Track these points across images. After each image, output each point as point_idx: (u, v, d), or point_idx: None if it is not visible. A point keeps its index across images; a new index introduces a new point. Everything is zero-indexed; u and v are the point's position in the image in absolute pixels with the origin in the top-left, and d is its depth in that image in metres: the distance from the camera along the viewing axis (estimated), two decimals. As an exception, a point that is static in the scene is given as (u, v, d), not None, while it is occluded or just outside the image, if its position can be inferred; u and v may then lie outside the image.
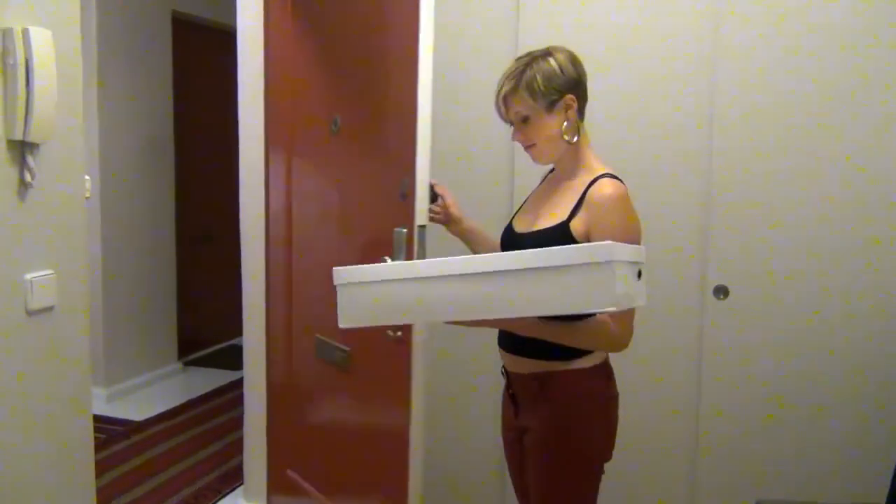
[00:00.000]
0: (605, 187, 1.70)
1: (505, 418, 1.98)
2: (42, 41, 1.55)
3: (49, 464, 1.71)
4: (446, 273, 1.54)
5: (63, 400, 1.76)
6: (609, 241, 1.47)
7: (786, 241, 2.54)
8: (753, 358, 2.60)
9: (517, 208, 1.99)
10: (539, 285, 1.49)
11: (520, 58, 1.79)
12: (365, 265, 1.60)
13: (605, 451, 1.85)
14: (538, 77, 1.73)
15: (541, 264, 1.50)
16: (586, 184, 1.73)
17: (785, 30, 2.49)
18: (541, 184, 1.97)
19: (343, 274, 1.60)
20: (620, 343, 1.70)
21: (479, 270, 1.52)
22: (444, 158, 2.57)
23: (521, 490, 2.00)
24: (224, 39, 4.09)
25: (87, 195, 1.82)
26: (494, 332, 1.90)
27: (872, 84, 2.43)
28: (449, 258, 1.57)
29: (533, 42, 2.17)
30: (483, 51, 2.73)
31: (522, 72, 1.74)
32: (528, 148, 1.80)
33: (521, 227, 1.86)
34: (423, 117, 1.91)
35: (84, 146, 1.77)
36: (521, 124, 1.77)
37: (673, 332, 2.65)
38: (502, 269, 1.51)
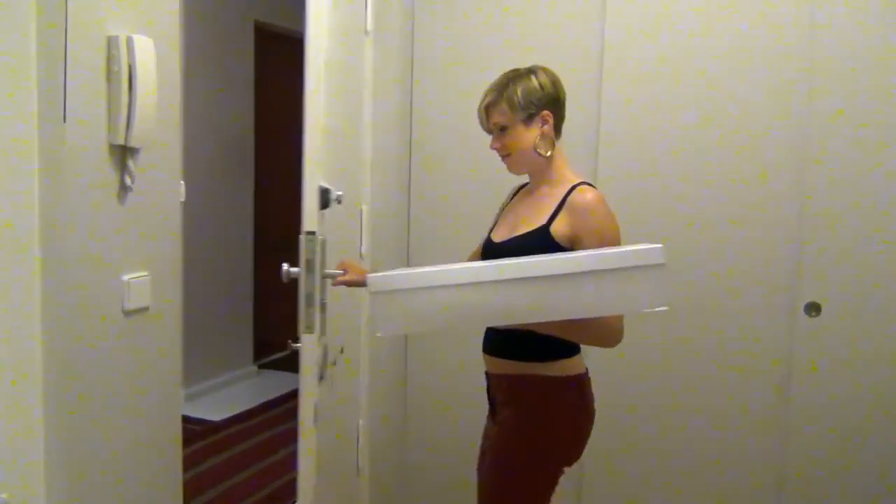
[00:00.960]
0: (587, 193, 1.80)
1: (487, 423, 2.03)
2: (144, 49, 1.60)
3: (139, 460, 1.75)
4: (498, 278, 1.55)
5: (154, 398, 1.80)
6: (659, 245, 1.55)
7: (884, 255, 2.44)
8: (846, 377, 2.50)
9: (493, 223, 2.03)
10: (592, 288, 1.53)
11: (506, 73, 1.89)
12: (410, 271, 1.60)
13: (566, 457, 1.88)
14: (518, 91, 1.84)
15: (595, 267, 1.54)
16: (563, 192, 1.83)
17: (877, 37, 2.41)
18: (512, 198, 2.04)
19: (381, 282, 1.57)
20: (620, 337, 1.76)
21: (533, 275, 1.54)
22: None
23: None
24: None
25: (182, 199, 1.86)
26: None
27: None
28: (501, 262, 1.58)
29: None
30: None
31: (505, 85, 1.86)
32: (504, 157, 1.89)
33: (498, 237, 1.91)
34: (311, 124, 1.81)
35: (180, 152, 1.81)
36: (500, 134, 1.87)
37: (758, 349, 2.57)
38: (556, 273, 1.54)
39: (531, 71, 1.88)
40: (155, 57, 1.63)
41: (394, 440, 3.08)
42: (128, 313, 1.68)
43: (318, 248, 1.77)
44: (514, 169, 1.91)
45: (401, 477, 3.11)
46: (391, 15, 2.83)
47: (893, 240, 2.43)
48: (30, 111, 1.39)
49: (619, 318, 1.73)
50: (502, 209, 2.04)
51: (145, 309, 1.73)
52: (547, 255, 1.63)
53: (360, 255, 2.71)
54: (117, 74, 1.56)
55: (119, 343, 1.67)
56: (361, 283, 1.88)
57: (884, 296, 2.45)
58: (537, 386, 1.82)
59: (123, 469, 1.70)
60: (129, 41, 1.57)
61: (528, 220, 1.84)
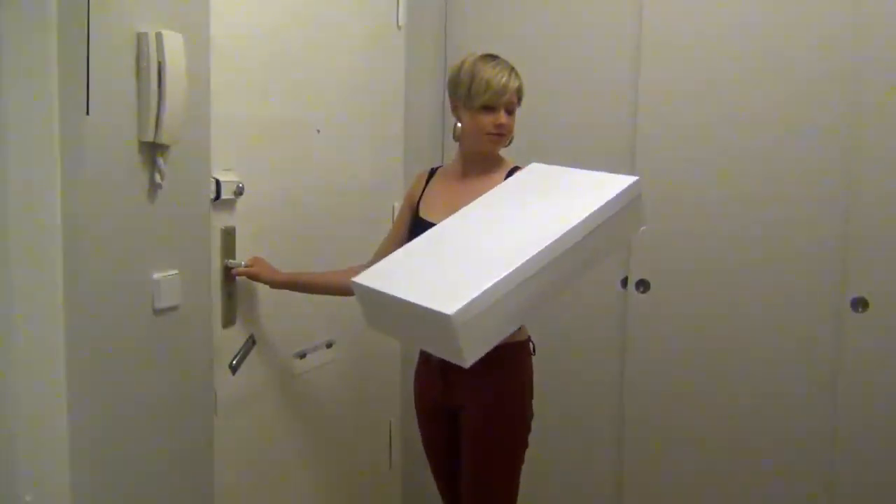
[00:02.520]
0: None
1: (427, 399, 2.14)
2: (174, 45, 1.58)
3: (170, 461, 1.74)
4: (543, 264, 1.53)
5: (185, 399, 1.78)
6: (637, 177, 1.70)
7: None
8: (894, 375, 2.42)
9: (415, 205, 2.13)
10: (602, 236, 1.61)
11: (497, 58, 2.02)
12: (478, 293, 1.46)
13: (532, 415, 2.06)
14: (522, 81, 2.03)
15: (604, 218, 1.61)
16: (504, 174, 2.01)
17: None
18: (427, 182, 2.14)
19: (468, 310, 1.44)
20: None
21: (564, 249, 1.56)
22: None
23: (446, 469, 2.16)
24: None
25: (212, 196, 1.85)
26: None
27: None
28: (537, 251, 1.53)
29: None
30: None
31: (517, 73, 2.02)
32: (498, 136, 2.00)
33: (441, 220, 1.87)
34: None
35: (210, 149, 1.79)
36: (507, 116, 1.99)
37: (806, 343, 2.50)
38: (578, 239, 1.57)
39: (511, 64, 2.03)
40: (185, 53, 1.61)
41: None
42: (158, 312, 1.67)
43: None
44: (495, 149, 2.04)
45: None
46: (424, 9, 2.80)
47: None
48: (50, 106, 1.37)
49: None
50: (420, 196, 2.12)
51: (175, 308, 1.71)
52: (573, 220, 1.61)
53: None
54: (146, 71, 1.54)
55: (149, 343, 1.65)
56: (267, 280, 2.04)
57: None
58: (512, 351, 1.96)
59: (152, 472, 1.68)
60: (159, 37, 1.55)
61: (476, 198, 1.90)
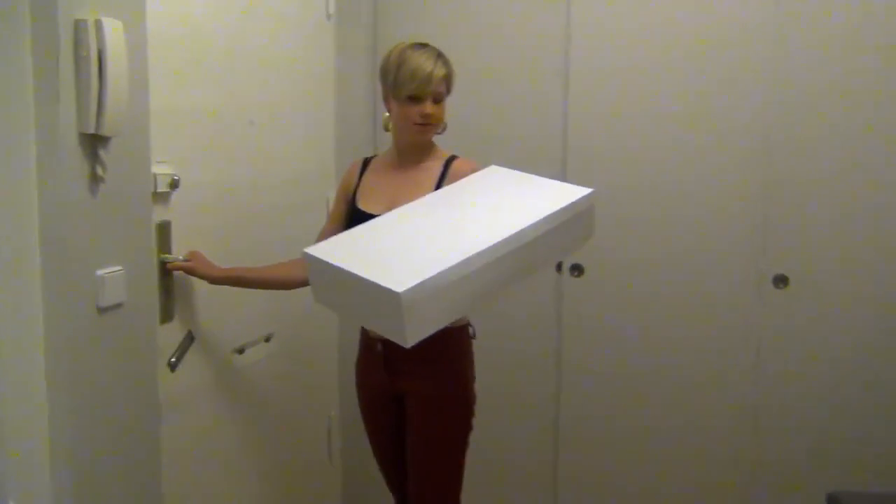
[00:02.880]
0: (467, 164, 2.00)
1: (371, 387, 2.15)
2: (114, 33, 1.52)
3: (117, 462, 1.68)
4: (494, 257, 1.57)
5: (130, 400, 1.72)
6: (592, 189, 1.74)
7: (846, 230, 2.50)
8: (814, 348, 2.56)
9: (351, 195, 2.12)
10: (553, 240, 1.66)
11: (424, 44, 2.00)
12: (429, 275, 1.49)
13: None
14: (451, 68, 2.01)
15: (558, 222, 1.66)
16: (441, 164, 2.01)
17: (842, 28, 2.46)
18: (367, 171, 2.13)
19: (417, 291, 1.47)
20: None
21: (516, 245, 1.60)
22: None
23: (392, 458, 2.17)
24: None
25: (154, 190, 1.79)
26: None
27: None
28: (491, 243, 1.57)
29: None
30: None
31: (446, 60, 2.00)
32: (427, 126, 1.98)
33: (380, 210, 1.93)
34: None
35: (149, 140, 1.73)
36: (434, 105, 1.97)
37: (730, 320, 2.62)
38: (531, 239, 1.62)
39: (441, 51, 2.01)
40: (125, 41, 1.55)
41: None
42: (103, 310, 1.61)
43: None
44: (424, 138, 2.02)
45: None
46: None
47: (853, 213, 2.50)
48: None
49: None
50: (356, 186, 2.11)
51: (120, 305, 1.66)
52: (528, 220, 1.65)
53: (329, 245, 2.65)
54: (87, 60, 1.48)
55: (93, 343, 1.59)
56: (204, 275, 1.99)
57: (847, 266, 2.51)
58: (453, 337, 2.00)
59: (99, 473, 1.63)
60: (99, 24, 1.49)
61: (417, 191, 1.93)
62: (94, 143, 1.54)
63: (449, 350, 2.02)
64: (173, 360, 1.99)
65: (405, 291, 1.44)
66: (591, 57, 2.64)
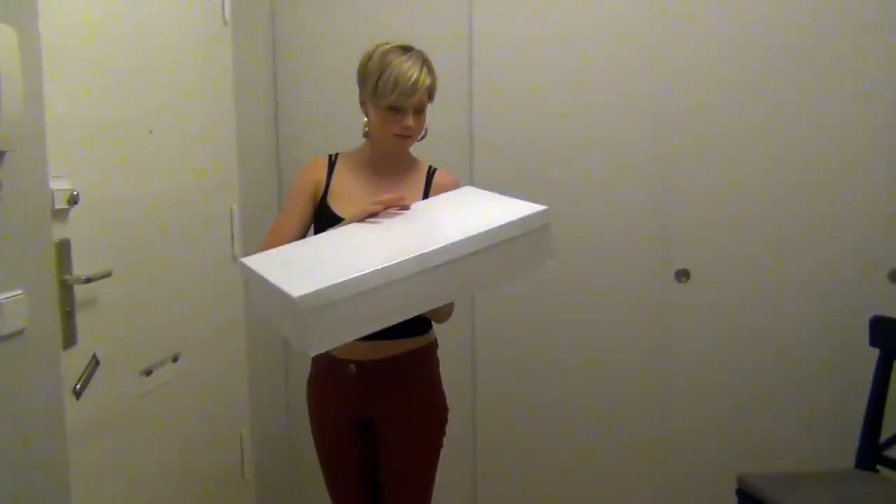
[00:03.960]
0: (449, 176, 1.95)
1: (336, 412, 2.00)
2: (7, 40, 1.42)
3: (26, 495, 1.57)
4: (410, 272, 1.52)
5: (36, 432, 1.61)
6: (545, 207, 1.65)
7: (743, 227, 2.63)
8: (716, 337, 2.67)
9: (321, 193, 1.97)
10: (491, 260, 1.58)
11: (409, 48, 1.86)
12: (331, 283, 1.46)
13: None
14: (435, 76, 1.89)
15: (493, 241, 1.58)
16: (423, 174, 1.94)
17: (731, 26, 2.58)
18: (337, 171, 1.97)
19: (316, 297, 1.43)
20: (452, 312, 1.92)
21: (438, 262, 1.53)
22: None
23: (355, 484, 2.03)
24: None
25: (55, 207, 1.68)
26: None
27: (819, 77, 2.55)
28: (405, 258, 1.52)
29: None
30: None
31: (430, 67, 1.87)
32: (406, 138, 1.87)
33: None
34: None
35: (46, 154, 1.62)
36: (416, 114, 1.85)
37: (636, 313, 2.70)
38: (460, 255, 1.55)
39: (427, 55, 1.88)
40: (18, 50, 1.45)
41: (281, 447, 2.98)
42: (3, 337, 1.49)
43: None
44: (401, 149, 1.92)
45: (289, 483, 3.01)
46: (250, 3, 2.70)
47: (749, 210, 2.62)
48: None
49: None
50: (326, 184, 1.96)
51: (21, 332, 1.54)
52: (456, 237, 1.60)
53: (234, 258, 2.58)
54: (-24, 69, 1.37)
55: (-6, 372, 1.48)
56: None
57: (745, 261, 2.63)
58: (431, 353, 1.98)
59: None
60: (-12, 31, 1.39)
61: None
62: (-13, 158, 1.43)
63: (424, 368, 1.97)
64: (78, 386, 1.87)
65: (301, 297, 1.42)
66: (493, 58, 2.66)
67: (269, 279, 1.52)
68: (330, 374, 1.98)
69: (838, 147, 2.58)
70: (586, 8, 2.63)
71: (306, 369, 2.90)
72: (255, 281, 1.59)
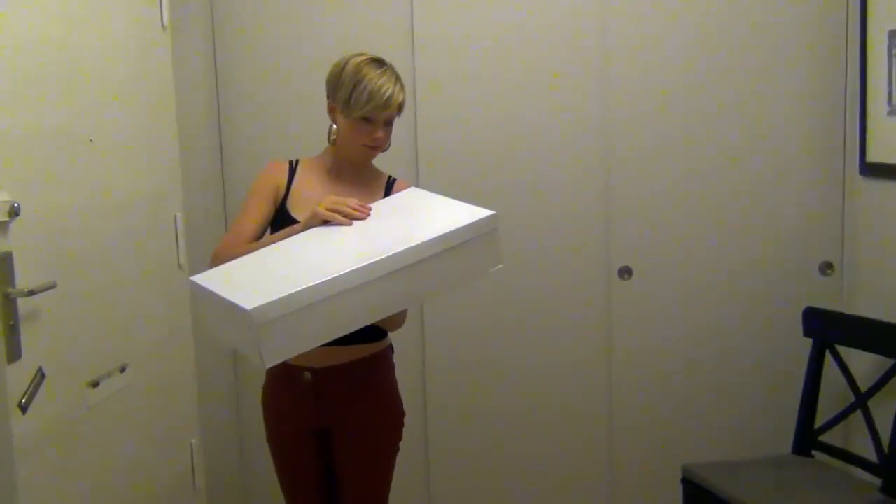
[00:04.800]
0: (405, 184, 1.99)
1: (292, 420, 2.00)
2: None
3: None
4: (360, 282, 1.53)
5: None
6: (494, 211, 1.65)
7: (681, 225, 2.71)
8: (658, 331, 2.75)
9: (280, 197, 1.96)
10: (440, 267, 1.59)
11: (382, 62, 1.90)
12: (282, 295, 1.47)
13: None
14: (405, 93, 1.91)
15: (442, 248, 1.59)
16: (383, 184, 1.98)
17: (673, 28, 2.66)
18: (298, 176, 1.97)
19: (268, 309, 1.44)
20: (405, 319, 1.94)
21: (388, 270, 1.54)
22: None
23: (312, 493, 2.04)
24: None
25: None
26: None
27: (750, 83, 2.65)
28: (354, 268, 1.53)
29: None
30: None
31: (402, 86, 1.90)
32: (374, 148, 1.91)
33: None
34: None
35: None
36: (386, 127, 1.90)
37: (581, 309, 2.77)
38: (407, 264, 1.56)
39: (396, 69, 1.92)
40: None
41: (232, 455, 2.96)
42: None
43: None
44: (368, 160, 1.96)
45: (241, 492, 2.99)
46: (188, 8, 2.68)
47: (687, 208, 2.71)
48: None
49: None
50: (286, 189, 1.96)
51: (-36, 347, 1.52)
52: (404, 245, 1.61)
53: (179, 266, 2.56)
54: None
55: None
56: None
57: (684, 258, 2.72)
58: (388, 357, 2.00)
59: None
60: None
61: None
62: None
63: (380, 373, 1.99)
64: (24, 401, 1.84)
65: (254, 309, 1.43)
66: (435, 63, 2.69)
67: (221, 294, 1.52)
68: (285, 382, 1.98)
69: (769, 149, 2.69)
70: (528, 12, 2.67)
71: (257, 377, 2.90)
72: (205, 298, 1.58)
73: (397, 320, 1.91)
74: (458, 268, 1.62)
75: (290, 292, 1.46)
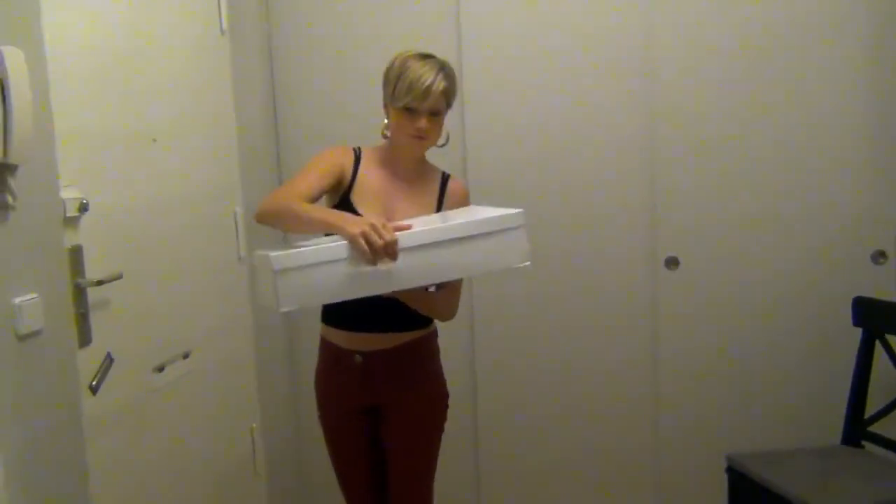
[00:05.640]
0: (461, 184, 2.07)
1: (346, 401, 2.09)
2: (16, 61, 1.52)
3: (46, 488, 1.68)
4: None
5: (56, 427, 1.72)
6: (521, 209, 1.77)
7: (730, 214, 2.71)
8: (704, 320, 2.76)
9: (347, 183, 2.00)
10: (469, 251, 1.72)
11: (430, 56, 1.94)
12: (303, 249, 1.65)
13: None
14: (454, 81, 1.96)
15: (473, 233, 1.73)
16: (438, 179, 2.04)
17: (722, 15, 2.66)
18: (363, 166, 2.02)
19: (286, 259, 1.62)
20: (455, 312, 2.03)
21: (422, 242, 1.69)
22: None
23: (366, 474, 2.13)
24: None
25: (67, 215, 1.79)
26: None
27: (803, 72, 2.65)
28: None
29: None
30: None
31: (449, 74, 1.94)
32: (421, 140, 1.94)
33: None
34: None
35: (56, 166, 1.73)
36: (432, 117, 1.92)
37: (628, 300, 2.80)
38: (441, 240, 1.71)
39: (448, 63, 1.96)
40: (27, 69, 1.55)
41: (290, 439, 3.08)
42: (21, 337, 1.60)
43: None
44: (418, 153, 2.00)
45: (299, 475, 3.11)
46: (245, 14, 2.80)
47: (736, 198, 2.71)
48: None
49: (458, 298, 2.00)
50: (352, 177, 2.00)
51: (38, 332, 1.65)
52: (432, 224, 1.77)
53: (239, 258, 2.68)
54: (-10, 89, 1.48)
55: (15, 371, 1.59)
56: None
57: (732, 247, 2.72)
58: (432, 342, 2.08)
59: (31, 501, 1.62)
60: (-1, 53, 1.49)
61: (415, 206, 1.99)
62: (2, 171, 1.54)
63: (425, 357, 2.08)
64: (94, 383, 1.98)
65: (275, 256, 1.60)
66: (483, 51, 2.75)
67: (264, 251, 1.69)
68: (337, 364, 2.08)
69: (822, 138, 2.66)
70: (575, 5, 2.71)
71: (313, 363, 3.02)
72: (257, 263, 1.73)
73: (445, 311, 2.01)
74: (480, 256, 1.74)
75: (311, 248, 1.63)
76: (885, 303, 2.52)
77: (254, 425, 2.89)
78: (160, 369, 2.31)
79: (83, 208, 1.92)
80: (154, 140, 2.30)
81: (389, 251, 1.67)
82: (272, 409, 3.00)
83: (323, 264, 1.62)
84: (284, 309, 1.62)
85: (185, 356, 2.43)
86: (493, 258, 1.75)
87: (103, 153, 2.05)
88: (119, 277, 2.08)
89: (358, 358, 2.03)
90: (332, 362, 2.11)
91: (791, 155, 2.68)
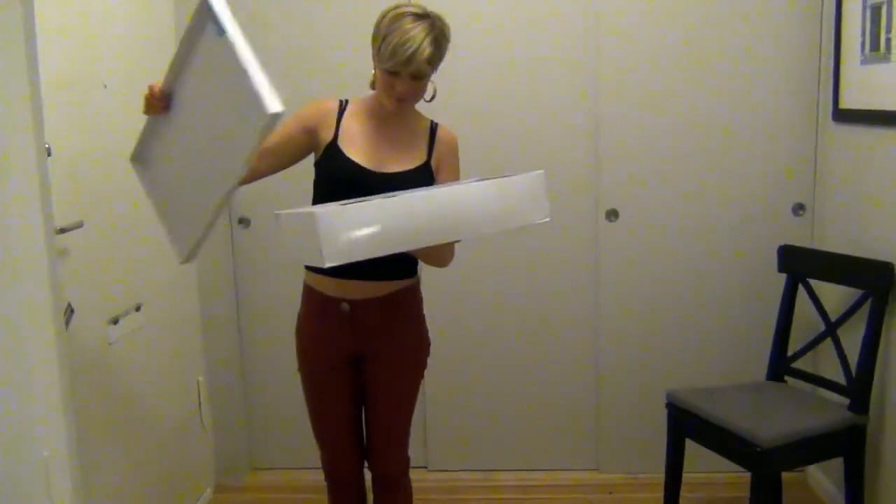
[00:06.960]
0: (449, 132, 2.05)
1: (332, 350, 2.05)
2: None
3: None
4: (432, 205, 1.71)
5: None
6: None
7: (664, 170, 2.86)
8: (642, 269, 2.92)
9: (332, 133, 1.98)
10: (502, 207, 1.81)
11: (423, 16, 1.84)
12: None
13: None
14: (443, 48, 1.88)
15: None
16: (426, 127, 2.02)
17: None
18: (347, 115, 2.00)
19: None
20: (452, 257, 1.99)
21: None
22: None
23: (346, 424, 2.11)
24: None
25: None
26: None
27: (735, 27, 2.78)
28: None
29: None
30: None
31: (436, 40, 1.84)
32: (402, 101, 1.90)
33: (371, 164, 1.95)
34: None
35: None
36: (414, 80, 1.87)
37: (572, 249, 2.92)
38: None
39: (442, 23, 1.88)
40: None
41: (235, 390, 3.08)
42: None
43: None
44: (397, 110, 1.93)
45: (246, 428, 3.12)
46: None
47: (669, 155, 2.86)
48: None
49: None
50: (336, 126, 1.98)
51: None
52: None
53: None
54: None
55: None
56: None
57: (666, 200, 2.88)
58: (418, 291, 2.09)
59: None
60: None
61: (406, 153, 1.98)
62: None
63: (412, 305, 2.08)
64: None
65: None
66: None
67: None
68: (323, 312, 2.03)
69: (747, 97, 2.82)
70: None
71: (260, 320, 3.01)
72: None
73: (446, 257, 1.97)
74: (511, 212, 1.83)
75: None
76: (808, 250, 2.72)
77: (200, 378, 2.87)
78: (115, 321, 2.27)
79: (46, 153, 1.85)
80: (105, 85, 2.23)
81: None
82: (217, 364, 2.99)
83: (366, 216, 1.63)
84: (331, 263, 1.59)
85: (138, 308, 2.39)
86: (522, 214, 1.85)
87: (56, 99, 1.97)
88: (80, 226, 2.03)
89: (345, 306, 1.98)
90: (317, 310, 2.05)
91: (722, 116, 2.84)
